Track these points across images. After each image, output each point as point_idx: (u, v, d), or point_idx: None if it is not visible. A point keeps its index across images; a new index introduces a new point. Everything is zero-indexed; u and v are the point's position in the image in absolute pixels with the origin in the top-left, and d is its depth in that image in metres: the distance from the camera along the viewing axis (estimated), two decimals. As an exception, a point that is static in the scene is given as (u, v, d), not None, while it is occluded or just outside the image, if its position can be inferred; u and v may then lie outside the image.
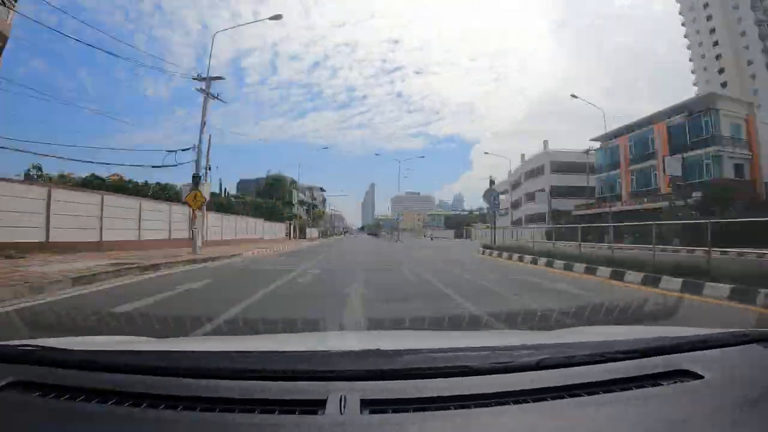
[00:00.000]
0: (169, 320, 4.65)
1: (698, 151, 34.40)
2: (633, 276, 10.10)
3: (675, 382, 1.37)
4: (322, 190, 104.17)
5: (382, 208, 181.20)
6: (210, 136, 20.57)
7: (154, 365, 1.42)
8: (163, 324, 4.40)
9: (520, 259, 17.66)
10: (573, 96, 37.72)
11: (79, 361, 1.47)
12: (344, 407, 1.19)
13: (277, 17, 25.66)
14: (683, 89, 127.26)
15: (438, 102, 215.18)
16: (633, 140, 41.78)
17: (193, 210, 20.22)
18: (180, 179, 30.27)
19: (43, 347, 1.58)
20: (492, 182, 28.62)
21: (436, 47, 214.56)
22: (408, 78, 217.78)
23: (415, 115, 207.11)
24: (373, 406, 1.21)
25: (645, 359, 1.48)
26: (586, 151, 46.26)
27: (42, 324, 4.64)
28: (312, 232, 74.51)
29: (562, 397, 1.27)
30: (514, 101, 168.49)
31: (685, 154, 34.52)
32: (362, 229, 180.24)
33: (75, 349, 1.61)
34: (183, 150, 23.14)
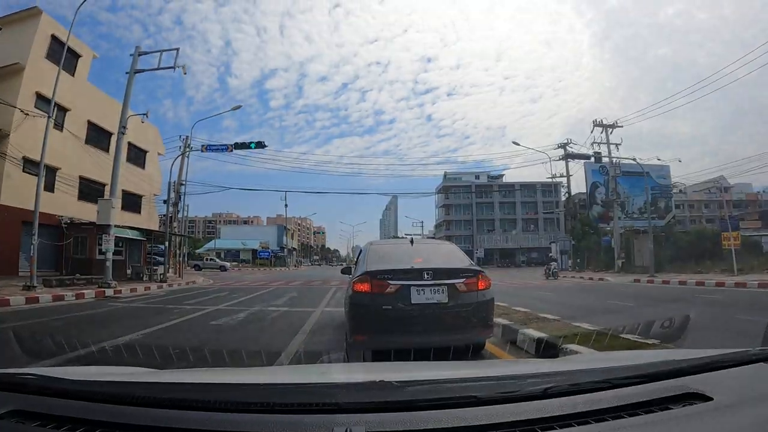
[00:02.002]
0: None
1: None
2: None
3: (684, 406, 1.36)
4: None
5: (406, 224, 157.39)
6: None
7: (156, 397, 1.39)
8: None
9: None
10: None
11: (79, 391, 1.45)
12: None
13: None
14: (719, 107, 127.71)
15: (469, 126, 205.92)
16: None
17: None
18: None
19: (42, 376, 1.56)
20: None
21: (471, 66, 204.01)
22: (439, 100, 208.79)
23: (445, 140, 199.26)
24: None
25: (652, 383, 1.48)
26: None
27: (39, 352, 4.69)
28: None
29: (570, 425, 1.26)
30: (550, 122, 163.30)
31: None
32: None
33: (74, 379, 1.58)
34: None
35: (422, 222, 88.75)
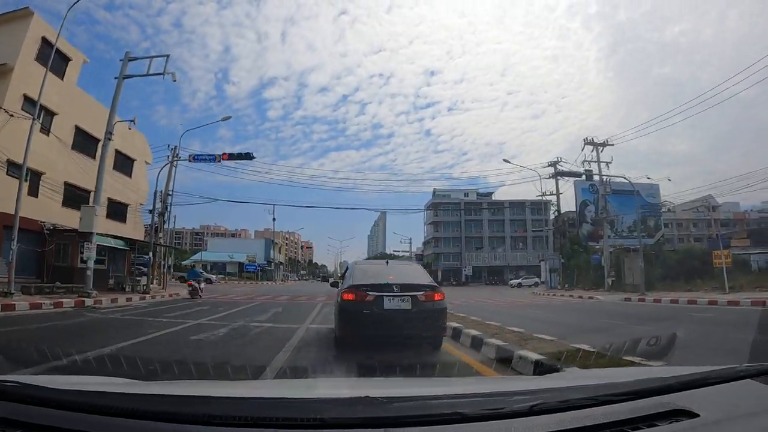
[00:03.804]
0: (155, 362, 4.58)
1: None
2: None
3: (670, 422, 1.36)
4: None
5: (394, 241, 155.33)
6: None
7: (139, 409, 1.36)
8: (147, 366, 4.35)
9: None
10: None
11: (62, 401, 1.42)
12: None
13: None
14: (715, 126, 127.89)
15: (468, 141, 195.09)
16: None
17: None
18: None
19: (25, 384, 1.55)
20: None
21: (475, 80, 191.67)
22: (440, 115, 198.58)
23: (443, 156, 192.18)
24: None
25: (639, 400, 1.48)
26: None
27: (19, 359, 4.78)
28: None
29: None
30: (550, 139, 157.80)
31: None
32: None
33: (58, 388, 1.55)
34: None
35: (410, 239, 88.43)
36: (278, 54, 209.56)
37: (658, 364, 4.31)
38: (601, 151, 34.68)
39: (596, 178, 37.06)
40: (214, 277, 50.39)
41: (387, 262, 8.54)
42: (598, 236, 41.57)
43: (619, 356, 5.05)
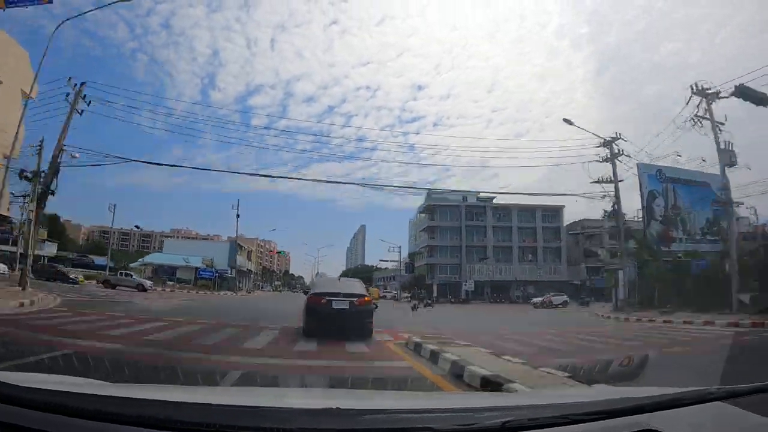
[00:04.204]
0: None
1: None
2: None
3: None
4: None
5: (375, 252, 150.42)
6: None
7: (110, 412, 1.33)
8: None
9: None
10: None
11: (26, 399, 1.37)
12: None
13: None
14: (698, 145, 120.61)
15: (451, 157, 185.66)
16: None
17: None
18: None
19: None
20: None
21: (461, 96, 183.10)
22: (424, 130, 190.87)
23: (425, 171, 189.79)
24: None
25: (612, 420, 1.47)
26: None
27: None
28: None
29: None
30: (533, 158, 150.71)
31: None
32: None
33: (23, 385, 1.47)
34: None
35: (400, 247, 76.48)
36: (267, 60, 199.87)
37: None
38: (713, 103, 23.20)
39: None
40: (149, 282, 38.35)
41: (339, 278, 16.70)
42: (670, 238, 30.92)
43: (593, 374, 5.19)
